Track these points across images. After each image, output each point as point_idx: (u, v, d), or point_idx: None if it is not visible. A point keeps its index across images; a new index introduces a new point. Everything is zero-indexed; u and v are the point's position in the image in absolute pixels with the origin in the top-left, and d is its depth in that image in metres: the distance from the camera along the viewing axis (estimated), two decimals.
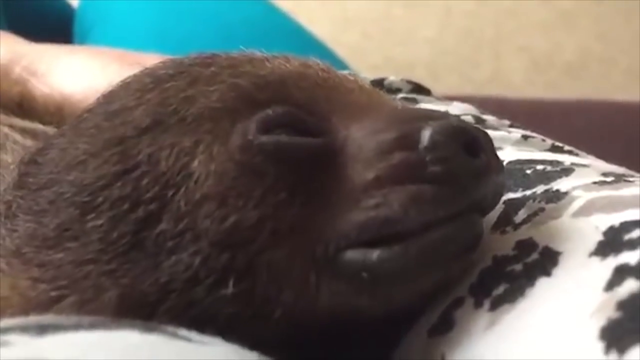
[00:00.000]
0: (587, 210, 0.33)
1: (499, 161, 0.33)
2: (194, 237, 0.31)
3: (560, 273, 0.30)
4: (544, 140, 0.46)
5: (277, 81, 0.33)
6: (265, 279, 0.31)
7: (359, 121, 0.33)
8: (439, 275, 0.32)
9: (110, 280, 0.31)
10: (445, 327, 0.32)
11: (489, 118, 0.51)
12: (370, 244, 0.30)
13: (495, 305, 0.31)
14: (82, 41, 1.06)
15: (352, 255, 0.30)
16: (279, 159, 0.31)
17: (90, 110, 0.36)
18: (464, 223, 0.31)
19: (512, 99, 1.41)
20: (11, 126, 0.48)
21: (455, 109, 0.51)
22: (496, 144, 0.46)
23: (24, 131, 0.48)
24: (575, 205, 0.33)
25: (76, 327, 0.27)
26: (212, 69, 0.34)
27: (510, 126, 0.50)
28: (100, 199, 0.32)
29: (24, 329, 0.26)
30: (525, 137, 0.46)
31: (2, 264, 0.34)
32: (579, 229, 0.31)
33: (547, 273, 0.30)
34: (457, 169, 0.31)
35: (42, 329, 0.26)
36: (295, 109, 0.32)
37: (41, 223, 0.33)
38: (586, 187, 0.35)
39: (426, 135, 0.31)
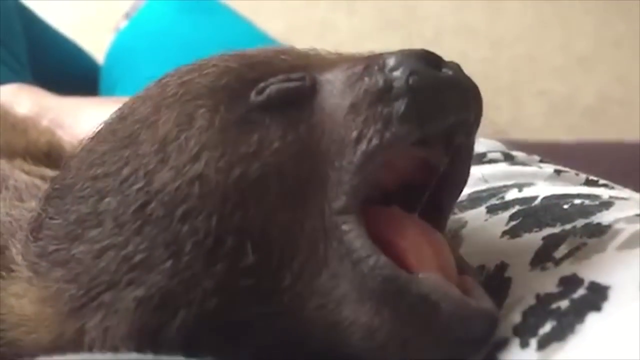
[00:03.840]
0: (632, 242, 0.31)
1: (470, 80, 0.33)
2: (203, 194, 0.31)
3: (612, 307, 0.28)
4: (577, 175, 0.45)
5: (263, 62, 0.35)
6: (281, 244, 0.30)
7: (333, 67, 0.34)
8: None
9: (129, 273, 0.31)
10: None
11: (519, 154, 0.50)
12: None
13: (544, 344, 0.29)
14: (109, 95, 1.08)
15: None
16: (270, 107, 0.33)
17: (106, 121, 0.38)
18: None
19: (534, 142, 1.40)
20: (42, 177, 0.48)
21: (482, 146, 0.50)
22: (528, 179, 0.45)
23: None
24: (620, 238, 0.32)
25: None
26: (204, 61, 0.36)
27: (541, 161, 0.49)
28: (112, 183, 0.33)
29: None
30: (557, 172, 0.45)
31: (27, 272, 0.35)
32: (626, 262, 0.30)
33: (597, 308, 0.28)
34: (425, 79, 0.31)
35: None
36: (285, 74, 0.34)
37: (65, 219, 0.34)
38: (629, 220, 0.34)
39: (391, 60, 0.32)
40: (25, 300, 0.34)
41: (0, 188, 0.43)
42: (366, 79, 0.32)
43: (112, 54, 1.23)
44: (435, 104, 0.31)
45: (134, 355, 0.28)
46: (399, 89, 0.31)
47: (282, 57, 0.36)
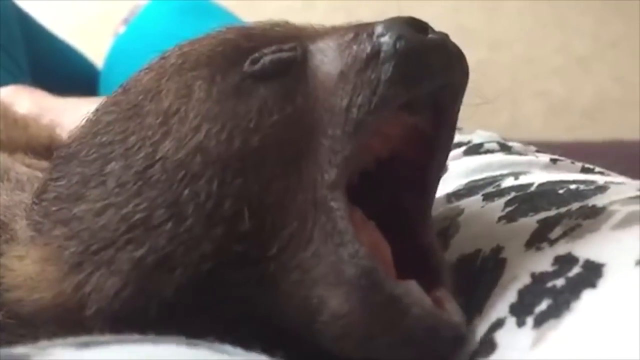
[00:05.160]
0: (627, 222, 0.31)
1: (455, 45, 0.34)
2: (204, 162, 0.32)
3: (607, 284, 0.28)
4: (573, 163, 0.45)
5: (258, 33, 0.36)
6: (274, 213, 0.31)
7: (324, 36, 0.35)
8: None
9: (128, 233, 0.32)
10: (487, 350, 0.31)
11: (515, 144, 0.50)
12: None
13: (540, 321, 0.29)
14: None
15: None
16: (265, 77, 0.33)
17: (108, 95, 0.38)
18: None
19: (534, 141, 1.40)
20: (44, 170, 0.48)
21: (479, 137, 0.50)
22: (524, 168, 0.45)
23: None
24: (615, 218, 0.32)
25: (120, 341, 0.27)
26: (204, 34, 0.37)
27: (537, 152, 0.49)
28: (117, 150, 0.34)
29: (66, 345, 0.26)
30: (554, 161, 0.46)
31: (30, 232, 0.36)
32: (621, 240, 0.30)
33: (593, 285, 0.29)
34: (412, 43, 0.32)
35: (84, 345, 0.25)
36: (278, 45, 0.35)
37: (69, 181, 0.35)
38: (623, 202, 0.34)
39: (379, 27, 0.33)
40: (27, 261, 0.35)
41: (2, 179, 0.44)
42: (354, 46, 0.33)
43: (111, 58, 1.24)
44: (422, 66, 0.32)
45: (136, 336, 0.28)
46: (387, 52, 0.32)
47: (277, 28, 0.37)
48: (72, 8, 1.76)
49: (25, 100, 0.78)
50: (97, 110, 0.38)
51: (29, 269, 0.35)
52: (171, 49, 0.37)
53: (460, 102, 0.35)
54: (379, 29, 0.33)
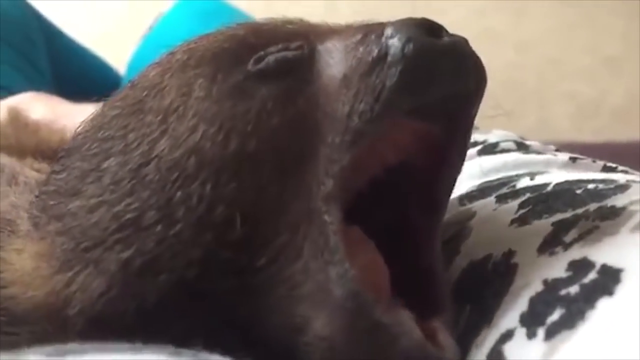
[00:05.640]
0: None
1: (471, 49, 0.32)
2: (199, 163, 0.30)
3: (625, 291, 0.26)
4: (594, 162, 0.43)
5: (269, 29, 0.35)
6: (267, 221, 0.29)
7: (334, 36, 0.33)
8: None
9: (117, 232, 0.31)
10: None
11: (533, 143, 0.48)
12: None
13: (552, 333, 0.27)
14: None
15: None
16: (268, 76, 0.32)
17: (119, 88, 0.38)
18: None
19: (561, 143, 1.36)
20: None
21: (494, 136, 0.48)
22: (542, 167, 0.43)
23: None
24: (635, 220, 0.30)
25: (99, 350, 0.26)
26: (216, 30, 0.36)
27: (557, 150, 0.46)
28: (117, 146, 0.33)
29: (47, 353, 0.25)
30: (573, 160, 0.43)
31: (28, 226, 0.35)
32: None
33: (610, 292, 0.26)
34: (421, 47, 0.30)
35: (63, 352, 0.25)
36: (284, 43, 0.33)
37: (69, 174, 0.34)
38: None
39: (389, 27, 0.31)
40: (25, 255, 0.34)
41: (11, 184, 0.43)
42: (361, 48, 0.31)
43: (133, 64, 1.24)
44: (430, 72, 0.30)
45: (116, 344, 0.27)
46: (394, 56, 0.30)
47: (289, 25, 0.35)
48: (94, 17, 1.78)
49: (40, 106, 0.78)
50: (105, 104, 0.37)
51: (26, 264, 0.34)
52: (180, 44, 0.36)
53: (476, 109, 0.33)
54: (388, 31, 0.31)
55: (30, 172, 0.48)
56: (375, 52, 0.31)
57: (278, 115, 0.31)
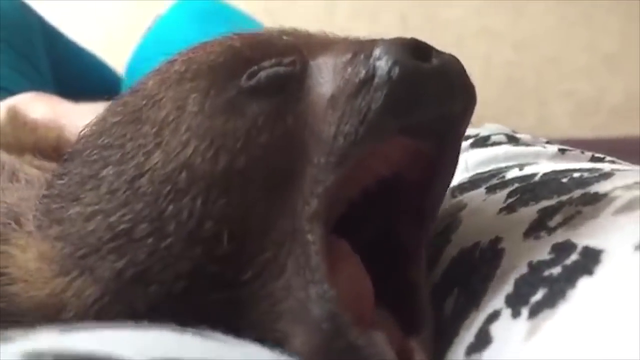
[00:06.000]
0: (629, 207, 0.30)
1: (459, 71, 0.32)
2: (190, 179, 0.31)
3: (605, 271, 0.27)
4: (582, 153, 0.44)
5: (262, 41, 0.35)
6: (253, 238, 0.30)
7: (326, 51, 0.34)
8: None
9: (111, 242, 0.32)
10: (483, 344, 0.30)
11: (524, 136, 0.48)
12: None
13: (535, 312, 0.28)
14: None
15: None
16: (260, 93, 0.32)
17: (123, 93, 0.38)
18: None
19: (560, 140, 1.37)
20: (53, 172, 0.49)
21: (486, 130, 0.49)
22: (531, 159, 0.44)
23: None
24: (616, 204, 0.31)
25: (103, 327, 0.26)
26: (213, 39, 0.37)
27: (547, 143, 0.47)
28: (115, 154, 0.34)
29: (59, 328, 0.26)
30: (562, 151, 0.44)
31: (31, 227, 0.36)
32: (621, 225, 0.29)
33: (589, 272, 0.27)
34: (407, 71, 0.31)
35: (69, 329, 0.25)
36: (277, 57, 0.34)
37: (70, 179, 0.35)
38: (627, 187, 0.32)
39: (378, 49, 0.32)
40: (29, 254, 0.35)
41: (12, 180, 0.44)
42: (349, 68, 0.32)
43: (132, 65, 1.25)
44: (415, 96, 0.31)
45: (131, 323, 0.28)
46: (380, 78, 0.31)
47: (284, 37, 0.35)
48: (94, 18, 1.79)
49: (40, 106, 0.79)
50: (107, 109, 0.38)
51: (30, 263, 0.35)
52: (180, 53, 0.37)
53: (465, 127, 0.34)
54: (377, 52, 0.31)
55: (30, 169, 0.49)
56: (362, 73, 0.31)
57: (267, 132, 0.31)
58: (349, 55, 0.32)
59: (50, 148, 0.57)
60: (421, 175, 0.34)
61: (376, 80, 0.31)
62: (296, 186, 0.31)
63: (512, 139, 0.48)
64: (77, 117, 0.76)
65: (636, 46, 1.83)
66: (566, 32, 1.90)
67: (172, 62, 0.36)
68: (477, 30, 1.86)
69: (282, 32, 0.36)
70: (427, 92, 0.31)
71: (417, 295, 0.33)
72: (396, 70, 0.30)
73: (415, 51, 0.31)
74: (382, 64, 0.31)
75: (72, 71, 1.18)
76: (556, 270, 0.29)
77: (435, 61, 0.31)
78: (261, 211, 0.31)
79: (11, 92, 0.80)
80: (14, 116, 0.62)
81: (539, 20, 1.91)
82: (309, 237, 0.30)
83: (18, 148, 0.55)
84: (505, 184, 0.40)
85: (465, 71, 0.32)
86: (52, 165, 0.51)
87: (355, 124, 0.31)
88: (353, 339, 0.29)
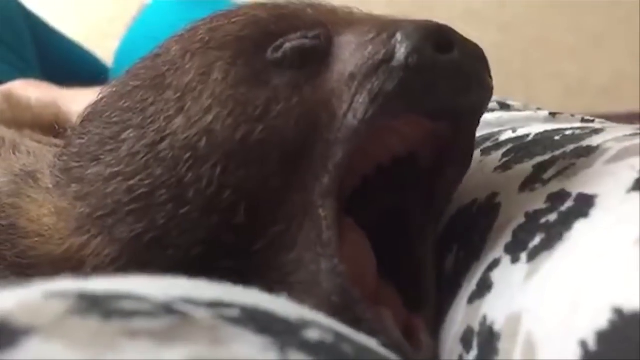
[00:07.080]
0: (620, 156, 0.31)
1: (477, 65, 0.32)
2: (210, 145, 0.31)
3: (599, 212, 0.28)
4: (572, 116, 0.45)
5: (289, 14, 0.35)
6: (267, 210, 0.31)
7: (351, 29, 0.34)
8: None
9: (130, 204, 0.32)
10: (484, 290, 0.31)
11: (515, 103, 0.50)
12: None
13: (533, 255, 0.29)
14: None
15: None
16: (284, 65, 0.33)
17: (143, 57, 0.38)
18: None
19: None
20: (54, 146, 0.49)
21: None
22: (523, 123, 0.45)
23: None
24: (609, 154, 0.32)
25: (122, 277, 0.27)
26: (237, 8, 0.37)
27: (538, 109, 0.49)
28: (136, 118, 0.34)
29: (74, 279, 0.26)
30: (553, 115, 0.45)
31: (49, 183, 0.36)
32: (614, 172, 0.30)
33: (585, 215, 0.28)
34: (424, 61, 0.31)
35: (87, 277, 0.26)
36: (303, 32, 0.34)
37: (89, 139, 0.36)
38: (618, 140, 0.33)
39: (401, 32, 0.32)
40: (45, 210, 0.36)
41: (15, 152, 0.45)
42: (370, 47, 0.32)
43: (119, 55, 1.25)
44: (429, 86, 0.31)
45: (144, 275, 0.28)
46: (397, 63, 0.31)
47: (309, 10, 0.36)
48: (82, 9, 1.78)
49: (33, 92, 0.80)
50: (128, 71, 0.38)
51: (46, 219, 0.35)
52: (202, 21, 0.37)
53: (479, 117, 0.34)
54: (399, 35, 0.32)
55: (31, 142, 0.49)
56: (381, 54, 0.32)
57: (284, 102, 0.32)
58: (371, 35, 0.33)
59: (48, 124, 0.57)
60: (436, 156, 0.35)
61: (393, 63, 0.31)
62: (310, 161, 0.31)
63: (504, 106, 0.49)
64: (70, 100, 0.77)
65: (622, 25, 1.84)
66: (552, 12, 1.91)
67: (194, 30, 0.36)
68: (463, 12, 1.87)
69: (307, 5, 0.36)
70: (442, 84, 0.31)
71: (423, 271, 0.34)
72: (414, 58, 0.31)
73: (438, 39, 0.31)
74: (402, 49, 0.31)
75: (58, 62, 1.17)
76: (552, 216, 0.30)
77: (456, 53, 0.31)
78: (276, 184, 0.31)
79: (1, 83, 0.81)
80: (9, 95, 0.62)
81: (524, 2, 1.91)
82: (321, 212, 0.31)
83: (16, 125, 0.56)
84: (499, 145, 0.41)
85: (486, 64, 0.32)
86: (52, 140, 0.52)
87: (366, 103, 0.31)
88: (361, 313, 0.29)
